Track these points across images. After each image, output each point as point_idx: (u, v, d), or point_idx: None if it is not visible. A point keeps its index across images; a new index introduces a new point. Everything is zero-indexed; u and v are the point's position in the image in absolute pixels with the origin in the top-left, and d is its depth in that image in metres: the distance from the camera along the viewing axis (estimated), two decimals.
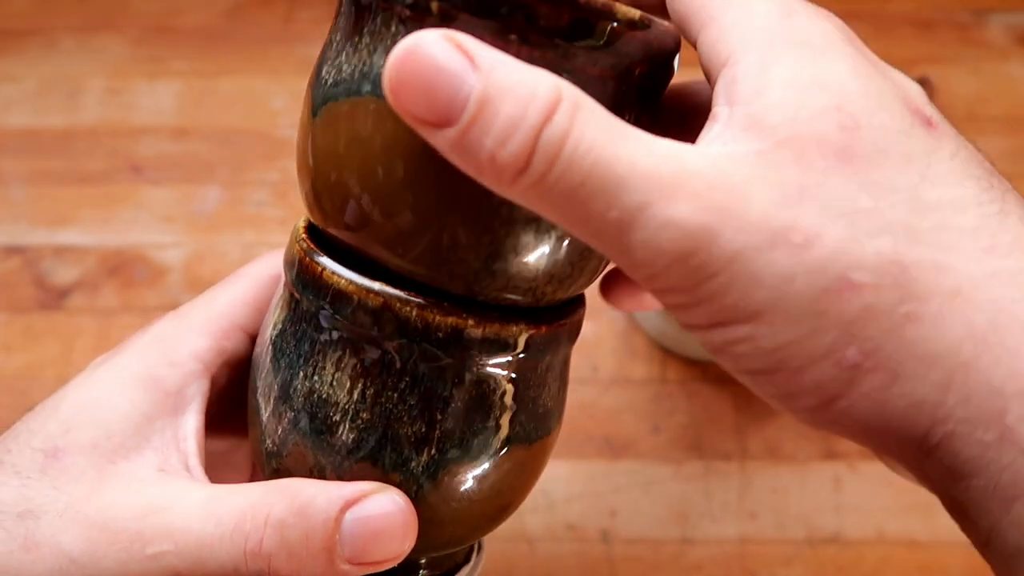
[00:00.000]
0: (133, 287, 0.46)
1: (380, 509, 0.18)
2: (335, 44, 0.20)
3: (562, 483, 0.40)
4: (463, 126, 0.15)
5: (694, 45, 0.19)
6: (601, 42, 0.18)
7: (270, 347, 0.22)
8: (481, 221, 0.19)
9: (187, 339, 0.22)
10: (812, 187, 0.15)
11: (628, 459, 0.40)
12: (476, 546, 0.27)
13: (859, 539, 0.39)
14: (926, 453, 0.16)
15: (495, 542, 0.39)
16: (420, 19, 0.17)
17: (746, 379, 0.17)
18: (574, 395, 0.42)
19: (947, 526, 0.39)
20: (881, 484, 0.40)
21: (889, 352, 0.15)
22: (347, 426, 0.20)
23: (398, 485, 0.20)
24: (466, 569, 0.25)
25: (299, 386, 0.21)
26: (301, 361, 0.21)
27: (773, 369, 0.16)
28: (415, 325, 0.20)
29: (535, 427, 0.22)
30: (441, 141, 0.15)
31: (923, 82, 0.50)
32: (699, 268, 0.15)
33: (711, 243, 0.15)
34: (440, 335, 0.20)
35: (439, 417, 0.20)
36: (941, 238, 0.16)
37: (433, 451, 0.20)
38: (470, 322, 0.20)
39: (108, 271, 0.46)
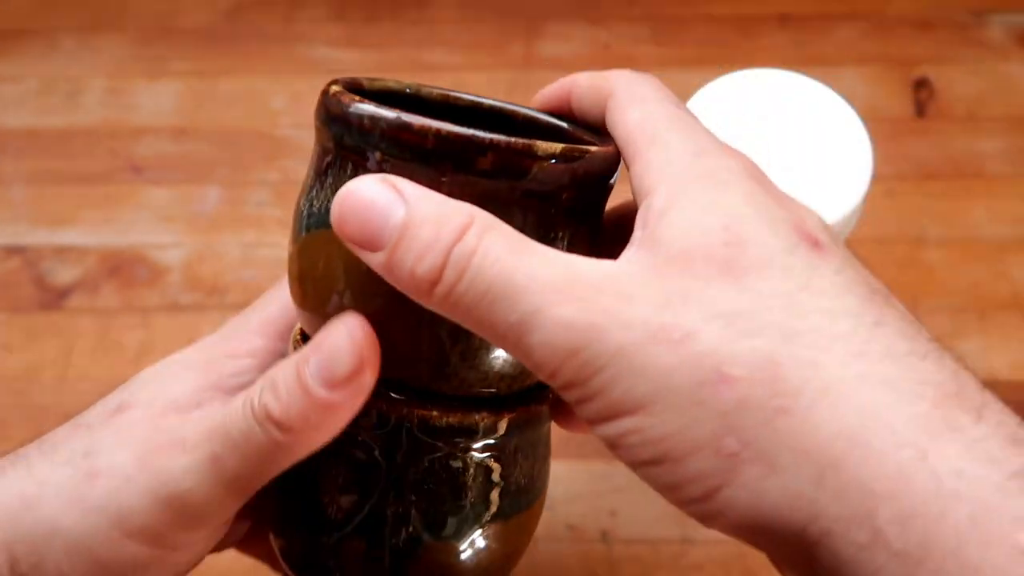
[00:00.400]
0: (133, 287, 0.46)
1: (331, 334, 0.21)
2: (310, 180, 0.22)
3: (562, 483, 0.40)
4: (390, 249, 0.18)
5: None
6: (524, 177, 0.20)
7: None
8: (428, 331, 0.21)
9: (245, 338, 0.25)
10: (694, 292, 0.17)
11: None
12: None
13: None
14: (809, 554, 0.17)
15: None
16: (366, 164, 0.20)
17: (639, 472, 0.18)
18: None
19: None
20: None
21: (764, 443, 0.16)
22: (335, 507, 0.23)
23: (388, 560, 0.23)
24: None
25: (296, 473, 0.23)
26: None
27: (660, 459, 0.17)
28: (395, 421, 0.22)
29: (520, 499, 0.24)
30: (375, 262, 0.18)
31: (923, 82, 0.50)
32: (588, 363, 0.17)
33: (597, 340, 0.17)
34: (415, 428, 0.22)
35: (420, 499, 0.23)
36: (815, 340, 0.17)
37: (415, 528, 0.23)
38: (434, 412, 0.22)
39: (108, 271, 0.46)
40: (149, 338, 0.44)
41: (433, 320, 0.20)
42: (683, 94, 0.49)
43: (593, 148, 0.21)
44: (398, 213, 0.18)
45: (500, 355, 0.22)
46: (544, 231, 0.21)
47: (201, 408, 0.22)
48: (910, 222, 0.46)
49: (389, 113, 0.20)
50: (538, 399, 0.24)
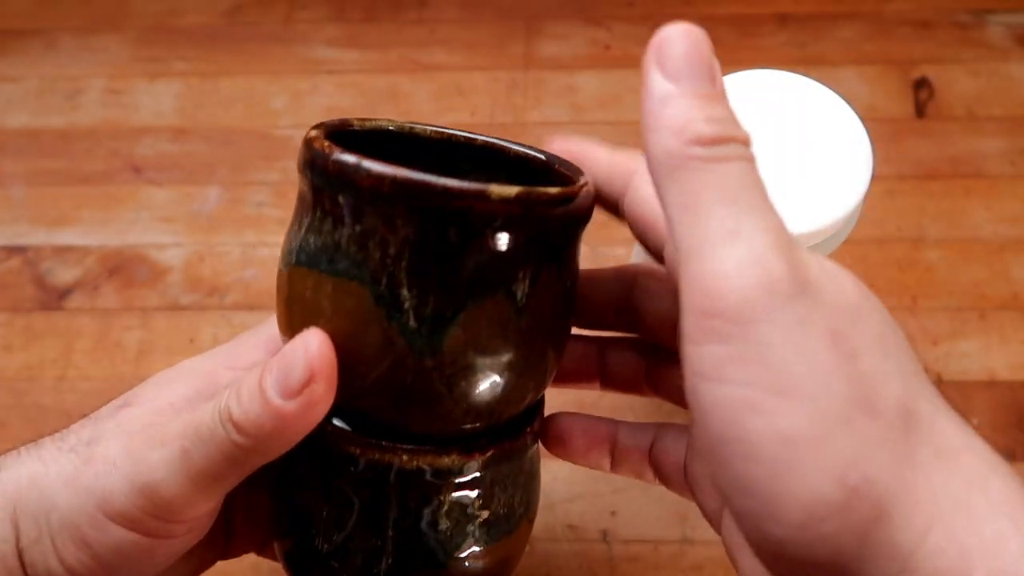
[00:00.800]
0: (133, 287, 0.46)
1: (290, 347, 0.21)
2: (294, 216, 0.23)
3: (562, 483, 0.40)
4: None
5: (651, 250, 0.23)
6: (478, 219, 0.20)
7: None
8: (399, 371, 0.21)
9: (249, 352, 0.26)
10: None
11: None
12: None
13: None
14: None
15: None
16: (335, 208, 0.21)
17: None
18: (574, 395, 0.42)
19: None
20: None
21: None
22: (323, 539, 0.24)
23: None
24: None
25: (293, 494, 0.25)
26: (299, 482, 0.25)
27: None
28: (367, 462, 0.23)
29: (501, 527, 0.25)
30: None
31: (923, 82, 0.50)
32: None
33: None
34: (388, 471, 0.23)
35: (396, 535, 0.24)
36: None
37: (395, 561, 0.24)
38: (404, 457, 0.23)
39: (108, 271, 0.46)
40: (149, 338, 0.44)
41: (406, 362, 0.21)
42: None
43: (553, 190, 0.21)
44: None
45: (473, 397, 0.22)
46: (504, 272, 0.21)
47: (191, 411, 0.23)
48: (910, 222, 0.46)
49: (350, 159, 0.20)
50: (513, 435, 0.24)
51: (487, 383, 0.22)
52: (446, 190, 0.20)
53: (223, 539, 0.28)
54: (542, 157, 0.25)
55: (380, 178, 0.20)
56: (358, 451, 0.23)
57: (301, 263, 0.22)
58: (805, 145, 0.30)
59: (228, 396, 0.22)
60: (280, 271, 0.23)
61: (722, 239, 0.17)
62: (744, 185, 0.18)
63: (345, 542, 0.24)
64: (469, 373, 0.22)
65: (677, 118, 0.18)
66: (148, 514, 0.22)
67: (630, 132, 0.49)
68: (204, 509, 0.23)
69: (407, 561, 0.24)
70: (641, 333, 0.26)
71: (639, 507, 0.39)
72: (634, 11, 0.53)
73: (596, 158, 0.24)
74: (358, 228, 0.21)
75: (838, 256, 0.47)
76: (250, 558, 0.30)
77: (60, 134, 0.50)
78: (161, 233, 0.47)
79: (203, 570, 0.28)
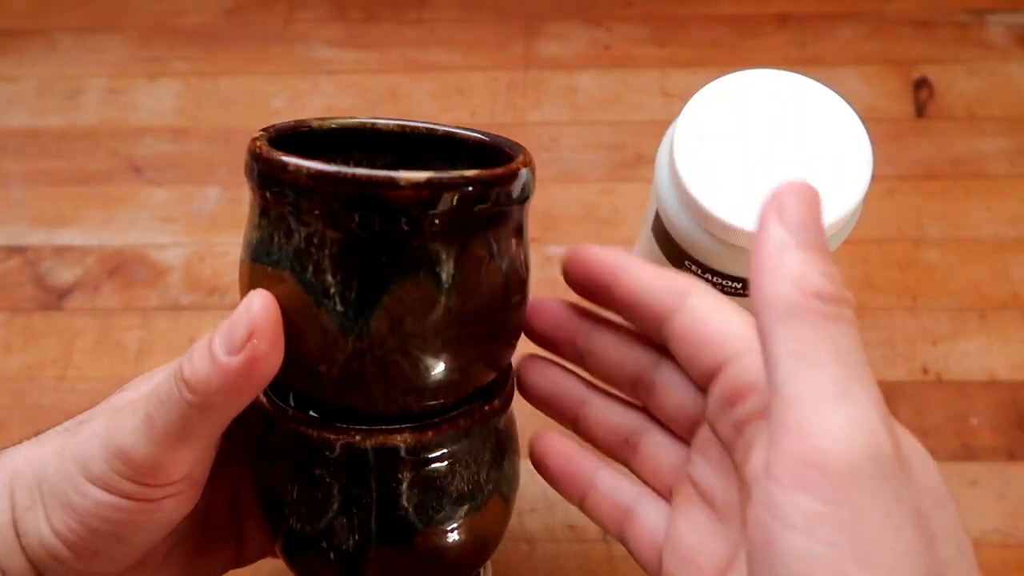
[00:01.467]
0: (133, 287, 0.46)
1: (237, 309, 0.23)
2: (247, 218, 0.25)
3: None
4: None
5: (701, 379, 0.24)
6: (388, 207, 0.21)
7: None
8: (351, 357, 0.23)
9: None
10: None
11: None
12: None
13: None
14: None
15: None
16: (263, 204, 0.23)
17: None
18: None
19: None
20: None
21: None
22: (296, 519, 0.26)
23: (340, 567, 0.25)
24: None
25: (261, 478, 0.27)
26: (262, 464, 0.27)
27: None
28: (322, 443, 0.24)
29: (466, 504, 0.26)
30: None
31: (923, 82, 0.50)
32: None
33: None
34: (343, 452, 0.24)
35: (360, 512, 0.25)
36: None
37: (361, 537, 0.25)
38: (357, 437, 0.24)
39: (108, 271, 0.46)
40: (149, 338, 0.44)
41: (340, 345, 0.22)
42: (683, 94, 0.49)
43: (470, 173, 0.22)
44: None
45: (411, 377, 0.23)
46: (423, 254, 0.22)
47: None
48: (910, 222, 0.46)
49: (273, 157, 0.22)
50: (469, 413, 0.25)
51: (423, 363, 0.23)
52: (357, 179, 0.21)
53: (235, 547, 0.29)
54: (487, 140, 0.26)
55: (297, 173, 0.21)
56: (315, 434, 0.24)
57: (248, 257, 0.24)
58: (805, 145, 0.30)
59: (183, 360, 0.23)
60: (244, 260, 0.25)
61: (833, 397, 0.18)
62: (853, 348, 0.19)
63: (325, 524, 0.25)
64: (400, 354, 0.23)
65: (795, 268, 0.19)
66: (123, 477, 0.23)
67: (629, 132, 0.49)
68: (174, 472, 0.24)
69: (374, 538, 0.25)
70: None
71: None
72: (634, 11, 0.53)
73: (638, 275, 0.25)
74: (285, 222, 0.22)
75: (838, 256, 0.47)
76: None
77: (60, 134, 0.50)
78: (161, 233, 0.47)
79: (219, 575, 0.30)
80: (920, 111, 0.49)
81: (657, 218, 0.33)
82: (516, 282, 0.25)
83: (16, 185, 0.49)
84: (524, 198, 0.24)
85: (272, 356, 0.22)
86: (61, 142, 0.50)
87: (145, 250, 0.47)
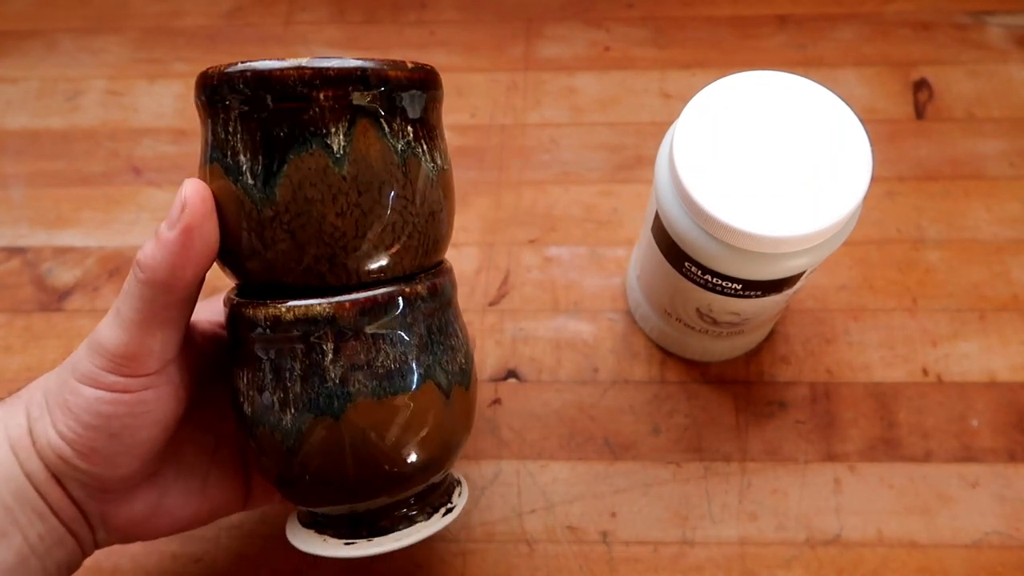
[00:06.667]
0: None
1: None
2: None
3: (562, 484, 0.40)
4: None
5: None
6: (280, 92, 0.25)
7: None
8: (273, 228, 0.26)
9: (201, 312, 0.33)
10: None
11: (628, 460, 0.40)
12: (458, 486, 0.33)
13: (859, 541, 0.39)
14: None
15: (495, 543, 0.39)
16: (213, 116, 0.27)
17: None
18: (575, 396, 0.42)
19: (947, 528, 0.39)
20: (881, 486, 0.40)
21: None
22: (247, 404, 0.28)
23: (283, 444, 0.27)
24: (458, 502, 0.32)
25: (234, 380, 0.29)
26: (229, 369, 0.29)
27: None
28: (251, 319, 0.27)
29: (394, 382, 0.27)
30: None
31: (922, 83, 0.50)
32: None
33: None
34: (267, 326, 0.27)
35: (294, 384, 0.27)
36: None
37: (297, 411, 0.27)
38: (282, 308, 0.26)
39: (108, 272, 0.46)
40: None
41: (254, 216, 0.26)
42: (683, 96, 0.49)
43: (352, 63, 0.25)
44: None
45: (317, 245, 0.26)
46: (314, 128, 0.25)
47: None
48: (910, 223, 0.46)
49: (207, 71, 0.26)
50: (389, 294, 0.27)
51: (324, 226, 0.26)
52: (256, 69, 0.25)
53: (242, 486, 0.33)
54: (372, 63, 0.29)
55: (212, 75, 0.26)
56: (249, 312, 0.27)
57: (202, 163, 0.27)
58: (805, 146, 0.30)
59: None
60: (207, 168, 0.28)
61: None
62: None
63: (266, 401, 0.27)
64: (305, 219, 0.26)
65: None
66: (105, 370, 0.27)
67: (629, 133, 0.49)
68: (146, 360, 0.27)
69: (306, 408, 0.27)
70: None
71: (639, 508, 0.39)
72: (634, 12, 0.53)
73: None
74: (212, 120, 0.26)
75: (838, 257, 0.47)
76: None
77: (60, 135, 0.50)
78: None
79: (226, 514, 0.33)
80: (920, 112, 0.49)
81: (657, 218, 0.33)
82: (413, 165, 0.27)
83: (16, 186, 0.49)
84: (412, 87, 0.27)
85: (204, 226, 0.26)
86: (61, 143, 0.50)
87: None
